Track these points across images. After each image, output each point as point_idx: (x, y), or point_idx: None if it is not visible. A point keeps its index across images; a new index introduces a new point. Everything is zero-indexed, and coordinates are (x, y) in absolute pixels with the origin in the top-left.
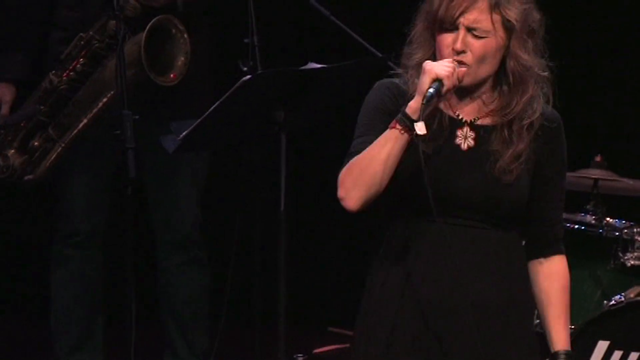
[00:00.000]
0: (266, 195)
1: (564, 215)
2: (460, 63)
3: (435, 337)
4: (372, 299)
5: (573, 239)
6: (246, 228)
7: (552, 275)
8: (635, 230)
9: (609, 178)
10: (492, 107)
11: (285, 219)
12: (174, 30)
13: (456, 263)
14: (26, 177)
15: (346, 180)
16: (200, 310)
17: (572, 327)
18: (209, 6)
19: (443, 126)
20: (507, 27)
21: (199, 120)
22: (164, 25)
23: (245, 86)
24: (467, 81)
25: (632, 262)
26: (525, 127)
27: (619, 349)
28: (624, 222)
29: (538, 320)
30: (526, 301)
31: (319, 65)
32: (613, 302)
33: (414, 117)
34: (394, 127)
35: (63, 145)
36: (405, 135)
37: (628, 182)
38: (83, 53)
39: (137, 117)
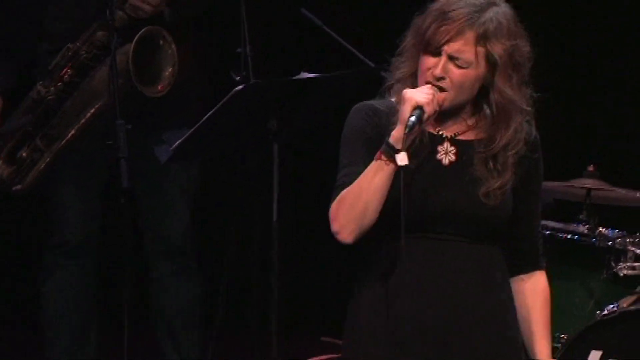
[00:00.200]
0: (260, 204)
1: (557, 225)
2: (439, 88)
3: (420, 352)
4: (357, 314)
5: (566, 249)
6: (240, 237)
7: (534, 292)
8: (628, 240)
9: (601, 188)
10: (472, 123)
11: (278, 229)
12: (161, 41)
13: (438, 278)
14: (14, 188)
15: (339, 215)
16: (191, 319)
17: (565, 336)
18: (196, 16)
19: (424, 143)
20: (491, 61)
21: (192, 130)
22: (151, 36)
23: (238, 96)
24: (445, 105)
25: (625, 272)
26: (509, 158)
27: (612, 359)
28: (616, 231)
29: None
30: (510, 314)
31: (311, 75)
32: (606, 311)
33: (398, 146)
34: (379, 158)
35: (51, 155)
36: (391, 165)
37: (621, 192)
38: (71, 64)
39: (129, 126)
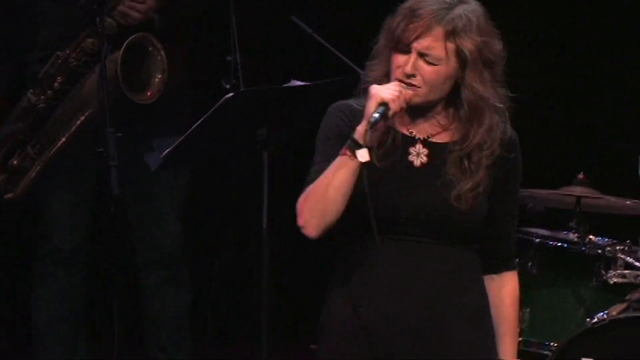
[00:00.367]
0: (251, 210)
1: (547, 233)
2: (410, 85)
3: (391, 353)
4: (328, 316)
5: (556, 257)
6: (230, 244)
7: (503, 292)
8: (617, 247)
9: (591, 195)
10: (445, 125)
11: (268, 236)
12: (150, 48)
13: (409, 279)
14: (6, 196)
15: (304, 209)
16: (181, 328)
17: (555, 344)
18: (186, 23)
19: (397, 144)
20: (461, 57)
21: (182, 137)
22: (140, 43)
23: (228, 104)
24: (416, 103)
25: (615, 280)
26: (483, 157)
27: None
28: (606, 239)
29: None
30: (484, 317)
31: (301, 83)
32: (596, 319)
33: (362, 142)
34: (344, 154)
35: (42, 163)
36: (355, 161)
37: (611, 200)
38: (60, 71)
39: (119, 134)
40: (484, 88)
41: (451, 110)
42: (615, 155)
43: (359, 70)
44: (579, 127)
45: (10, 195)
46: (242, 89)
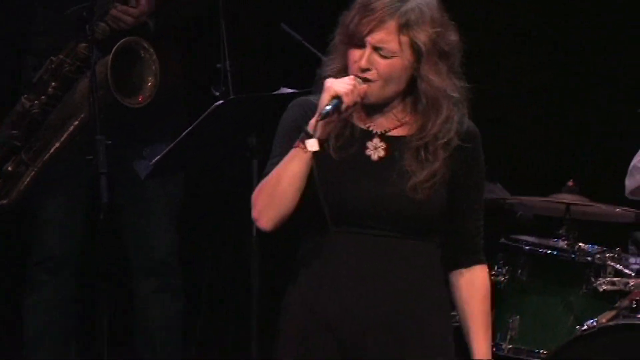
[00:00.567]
0: (241, 219)
1: (537, 240)
2: (366, 80)
3: (348, 346)
4: (286, 313)
5: (545, 264)
6: (220, 252)
7: (473, 286)
8: (607, 255)
9: (581, 203)
10: (403, 119)
11: (257, 244)
12: (142, 52)
13: (366, 272)
14: (0, 202)
15: (258, 201)
16: (173, 336)
17: (545, 352)
18: (181, 29)
19: (355, 138)
20: (416, 49)
21: (172, 145)
22: (131, 47)
23: (218, 111)
24: (373, 98)
25: (605, 287)
26: (439, 147)
27: None
28: (596, 247)
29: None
30: (443, 308)
31: (291, 90)
32: (585, 327)
33: (313, 133)
34: (297, 146)
35: (36, 169)
36: (308, 153)
37: (600, 207)
38: (54, 77)
39: (110, 142)
40: (440, 79)
41: (409, 103)
42: (605, 163)
43: None
44: (569, 134)
45: (4, 201)
46: (231, 97)
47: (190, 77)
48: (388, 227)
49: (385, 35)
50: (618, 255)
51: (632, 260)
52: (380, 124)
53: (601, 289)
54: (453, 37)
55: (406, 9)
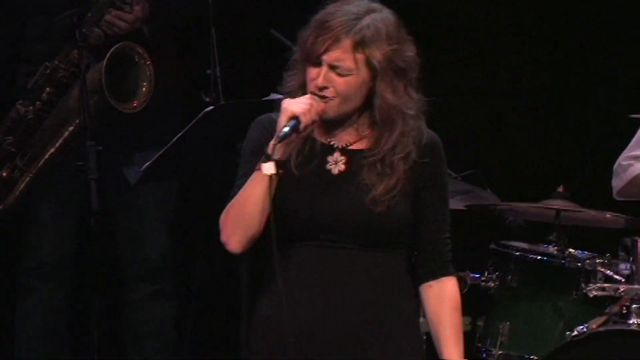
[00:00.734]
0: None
1: (527, 246)
2: (323, 97)
3: (312, 357)
4: (252, 323)
5: (536, 270)
6: (211, 257)
7: (442, 298)
8: (597, 261)
9: (571, 209)
10: (363, 133)
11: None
12: (136, 57)
13: (330, 286)
14: None
15: (225, 225)
16: (164, 342)
17: (535, 358)
18: (175, 35)
19: (315, 153)
20: (372, 66)
21: (162, 151)
22: (125, 52)
23: (208, 117)
24: (331, 114)
25: (595, 293)
26: (397, 161)
27: None
28: (586, 253)
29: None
30: (410, 320)
31: (281, 96)
32: (576, 332)
33: (274, 155)
34: (258, 169)
35: (31, 175)
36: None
37: (590, 213)
38: (49, 82)
39: (100, 148)
40: (394, 96)
41: (368, 118)
42: (595, 169)
43: None
44: (559, 140)
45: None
46: (222, 102)
47: (181, 83)
48: (350, 241)
49: (340, 54)
50: (608, 261)
51: (622, 266)
52: (340, 138)
53: (591, 295)
54: (410, 52)
55: (361, 27)
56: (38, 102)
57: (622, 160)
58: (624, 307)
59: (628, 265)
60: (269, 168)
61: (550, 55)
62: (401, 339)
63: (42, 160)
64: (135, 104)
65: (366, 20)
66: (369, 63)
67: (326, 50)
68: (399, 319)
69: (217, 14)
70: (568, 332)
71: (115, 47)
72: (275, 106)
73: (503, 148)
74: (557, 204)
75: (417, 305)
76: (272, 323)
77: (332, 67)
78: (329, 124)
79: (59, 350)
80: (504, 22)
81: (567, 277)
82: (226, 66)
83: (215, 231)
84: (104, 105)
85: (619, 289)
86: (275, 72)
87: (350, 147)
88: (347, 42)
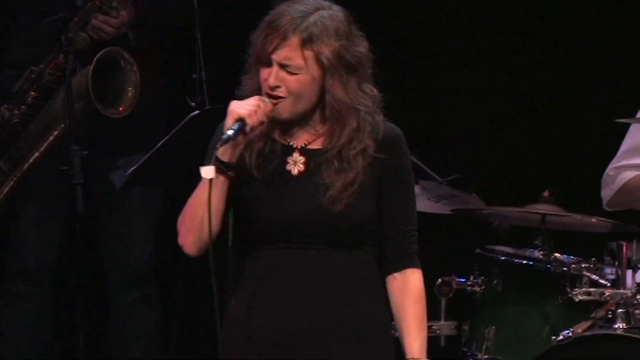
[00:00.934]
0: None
1: (512, 251)
2: (277, 97)
3: None
4: (225, 327)
5: (521, 275)
6: (196, 264)
7: (405, 290)
8: (583, 265)
9: (557, 213)
10: (321, 131)
11: (233, 254)
12: (122, 62)
13: (297, 287)
14: None
15: (182, 228)
16: (150, 347)
17: None
18: (160, 40)
19: (275, 154)
20: (321, 63)
21: (147, 155)
22: (112, 57)
23: (193, 121)
24: (286, 114)
25: (580, 298)
26: (353, 156)
27: None
28: (572, 257)
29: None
30: (377, 318)
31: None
32: (561, 337)
33: (222, 158)
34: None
35: (15, 179)
36: (221, 177)
37: (576, 217)
38: (34, 86)
39: (85, 152)
40: (345, 92)
41: (325, 116)
42: (581, 173)
43: None
44: (544, 144)
45: None
46: (207, 107)
47: (167, 88)
48: (315, 241)
49: (289, 52)
50: (594, 265)
51: (607, 270)
52: (299, 138)
53: (577, 299)
54: (361, 48)
55: (308, 24)
56: (23, 106)
57: (610, 171)
58: (610, 312)
59: (614, 270)
60: (207, 172)
61: (533, 59)
62: (368, 339)
63: (27, 165)
64: (121, 109)
65: (313, 18)
66: (318, 60)
67: (275, 49)
68: (367, 318)
69: (203, 18)
70: (553, 337)
71: (102, 51)
72: None
73: (488, 152)
74: (543, 208)
75: (386, 304)
76: (242, 325)
77: (283, 66)
78: (288, 124)
79: (45, 354)
80: (504, 22)
81: (553, 282)
82: (212, 71)
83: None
84: (89, 110)
85: (604, 293)
86: None
87: (309, 147)
88: (294, 40)
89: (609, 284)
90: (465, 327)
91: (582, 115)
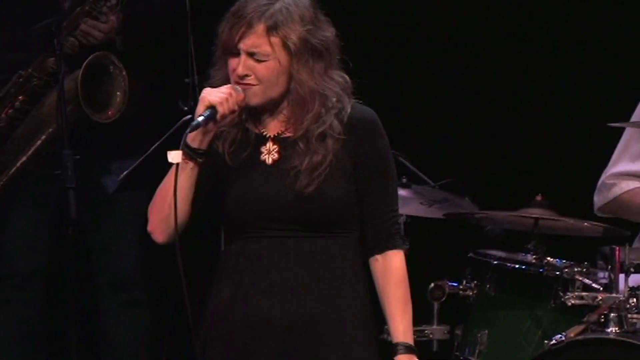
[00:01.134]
0: (208, 234)
1: (505, 255)
2: (247, 85)
3: (265, 350)
4: (205, 317)
5: (514, 279)
6: (187, 267)
7: (387, 272)
8: (575, 269)
9: (549, 217)
10: (292, 119)
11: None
12: (111, 67)
13: (279, 274)
14: None
15: (151, 215)
16: (139, 351)
17: None
18: (147, 45)
19: (249, 143)
20: (289, 49)
21: (140, 159)
22: (101, 62)
23: (186, 126)
24: (257, 102)
25: (573, 302)
26: (317, 137)
27: None
28: (564, 261)
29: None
30: (359, 304)
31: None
32: (554, 341)
33: (193, 144)
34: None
35: (2, 183)
36: (190, 163)
37: (569, 222)
38: (22, 90)
39: (77, 157)
40: (310, 77)
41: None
42: (574, 177)
43: None
44: (537, 148)
45: None
46: None
47: (158, 92)
48: (292, 227)
49: (255, 39)
50: (586, 269)
51: (600, 274)
52: (272, 126)
53: (569, 304)
54: (327, 32)
55: (273, 11)
56: (11, 110)
57: (606, 179)
58: (602, 316)
59: (606, 274)
60: (174, 156)
61: (525, 64)
62: (348, 326)
63: (14, 169)
64: (109, 113)
65: (278, 5)
66: (285, 45)
67: (241, 38)
68: (347, 305)
69: (195, 22)
70: (546, 341)
71: (91, 56)
72: None
73: (481, 156)
74: (536, 212)
75: (369, 287)
76: (222, 319)
77: (251, 55)
78: (260, 113)
79: (35, 359)
80: (496, 27)
81: (545, 286)
82: (204, 75)
83: (190, 238)
84: (78, 114)
85: (597, 297)
86: None
87: (282, 135)
88: (260, 27)
89: (601, 288)
90: (458, 332)
91: (575, 120)
